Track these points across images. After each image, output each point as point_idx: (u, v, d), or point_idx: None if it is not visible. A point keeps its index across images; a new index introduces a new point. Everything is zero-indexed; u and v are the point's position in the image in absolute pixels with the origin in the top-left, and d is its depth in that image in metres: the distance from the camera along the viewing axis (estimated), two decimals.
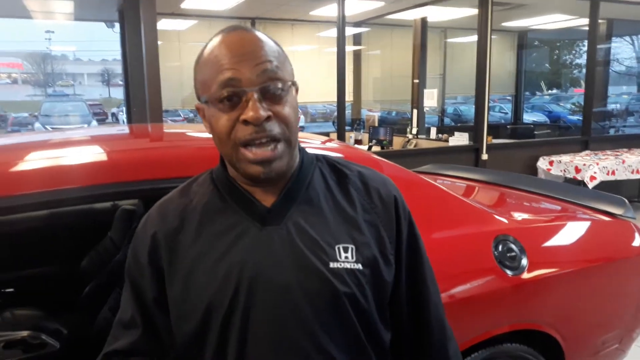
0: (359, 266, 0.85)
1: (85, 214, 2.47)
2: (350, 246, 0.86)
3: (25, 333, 2.02)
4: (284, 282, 0.82)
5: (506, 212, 1.97)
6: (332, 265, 0.84)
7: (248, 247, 0.84)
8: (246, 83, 0.80)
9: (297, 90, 0.88)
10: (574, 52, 18.39)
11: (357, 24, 8.25)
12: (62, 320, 2.10)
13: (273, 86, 0.81)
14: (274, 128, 0.81)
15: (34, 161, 1.41)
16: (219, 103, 0.81)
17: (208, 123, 0.86)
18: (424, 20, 7.17)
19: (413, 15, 7.07)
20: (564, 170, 5.58)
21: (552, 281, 1.75)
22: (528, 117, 15.32)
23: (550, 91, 21.31)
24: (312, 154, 0.96)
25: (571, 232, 1.94)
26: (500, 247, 1.67)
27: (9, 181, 1.28)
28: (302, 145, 0.94)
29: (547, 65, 19.15)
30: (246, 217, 0.87)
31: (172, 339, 0.89)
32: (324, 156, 0.97)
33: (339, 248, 0.85)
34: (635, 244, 2.00)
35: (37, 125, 16.38)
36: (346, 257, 0.85)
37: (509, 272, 1.64)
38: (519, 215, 1.95)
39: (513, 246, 1.70)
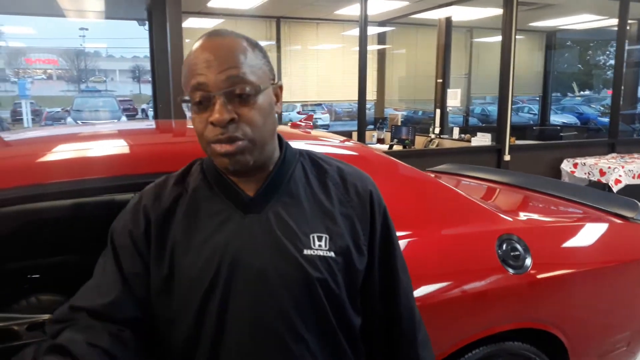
0: (332, 254, 0.92)
1: (106, 206, 2.57)
2: (325, 235, 0.93)
3: (47, 316, 2.13)
4: (262, 267, 0.89)
5: (513, 211, 1.98)
6: (305, 252, 0.91)
7: (231, 232, 0.91)
8: (213, 87, 0.86)
9: (281, 89, 0.95)
10: (607, 52, 17.98)
11: (382, 23, 8.26)
12: None
13: (239, 90, 0.86)
14: (237, 130, 0.86)
15: (63, 152, 1.50)
16: (194, 106, 0.88)
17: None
18: (448, 20, 7.14)
19: (438, 14, 7.05)
20: (588, 173, 5.50)
21: (556, 281, 1.76)
22: (558, 119, 15.04)
23: (582, 92, 20.86)
24: (295, 149, 1.02)
25: (579, 234, 1.94)
26: (504, 246, 1.70)
27: (41, 170, 1.38)
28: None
29: (579, 66, 18.75)
30: (230, 205, 0.93)
31: (145, 315, 0.93)
32: (307, 151, 1.04)
33: (313, 237, 0.92)
34: None
35: (69, 119, 16.85)
36: (320, 245, 0.92)
37: (511, 271, 1.66)
38: (525, 215, 1.96)
39: (517, 245, 1.72)
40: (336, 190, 0.98)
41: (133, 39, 43.97)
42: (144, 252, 0.94)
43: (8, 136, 1.90)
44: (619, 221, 2.06)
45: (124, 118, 17.56)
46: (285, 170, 0.97)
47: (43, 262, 2.45)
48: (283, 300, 0.88)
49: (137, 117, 22.01)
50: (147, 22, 7.16)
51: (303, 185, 0.97)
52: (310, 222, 0.93)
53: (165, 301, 0.92)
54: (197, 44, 0.90)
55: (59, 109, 20.20)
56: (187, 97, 0.89)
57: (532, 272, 1.69)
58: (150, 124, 3.33)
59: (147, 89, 34.40)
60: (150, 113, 19.97)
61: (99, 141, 1.70)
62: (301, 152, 1.02)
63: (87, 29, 41.27)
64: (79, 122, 15.33)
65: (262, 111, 0.89)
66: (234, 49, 0.88)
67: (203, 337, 0.90)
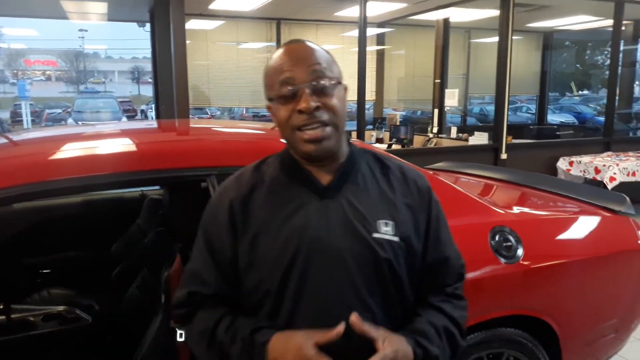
0: (397, 239, 1.06)
1: (116, 203, 2.67)
2: (391, 222, 1.07)
3: (61, 308, 2.23)
4: (338, 246, 1.03)
5: (506, 205, 2.08)
6: (375, 235, 1.05)
7: (308, 215, 1.05)
8: (299, 81, 1.01)
9: (346, 90, 1.09)
10: (605, 52, 18.09)
11: (381, 25, 8.35)
12: (94, 298, 2.30)
13: (321, 83, 1.02)
14: (323, 115, 1.02)
15: (69, 150, 1.59)
16: (280, 98, 1.03)
17: (274, 116, 1.06)
18: (446, 21, 7.22)
19: (436, 16, 7.14)
20: (584, 171, 5.59)
21: (547, 271, 1.85)
22: (556, 118, 15.11)
23: (580, 92, 20.97)
24: (360, 148, 1.17)
25: (569, 226, 2.03)
26: (497, 237, 1.79)
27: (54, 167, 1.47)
28: None
29: (578, 66, 18.85)
30: (307, 191, 1.07)
31: (237, 290, 1.08)
32: (369, 150, 1.19)
33: (380, 223, 1.06)
34: (632, 238, 2.09)
35: (69, 120, 16.95)
36: (386, 230, 1.06)
37: (503, 260, 1.75)
38: (518, 209, 2.05)
39: (510, 237, 1.81)
40: (398, 184, 1.13)
41: (132, 40, 44.03)
42: (231, 238, 1.07)
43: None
44: (608, 214, 2.15)
45: (124, 119, 17.65)
46: (353, 163, 1.11)
47: (54, 257, 2.55)
48: (356, 276, 1.02)
49: (137, 117, 22.09)
50: (148, 24, 7.24)
51: (369, 177, 1.11)
52: (377, 209, 1.07)
53: (248, 279, 1.06)
54: (279, 51, 1.06)
55: (59, 110, 20.29)
56: (271, 95, 1.04)
57: (523, 262, 1.79)
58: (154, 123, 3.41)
59: (146, 90, 34.49)
60: (150, 114, 20.04)
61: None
62: (365, 150, 1.17)
63: (86, 31, 41.35)
64: (79, 123, 15.42)
65: (340, 101, 1.05)
66: (315, 50, 1.06)
67: (282, 310, 1.03)
